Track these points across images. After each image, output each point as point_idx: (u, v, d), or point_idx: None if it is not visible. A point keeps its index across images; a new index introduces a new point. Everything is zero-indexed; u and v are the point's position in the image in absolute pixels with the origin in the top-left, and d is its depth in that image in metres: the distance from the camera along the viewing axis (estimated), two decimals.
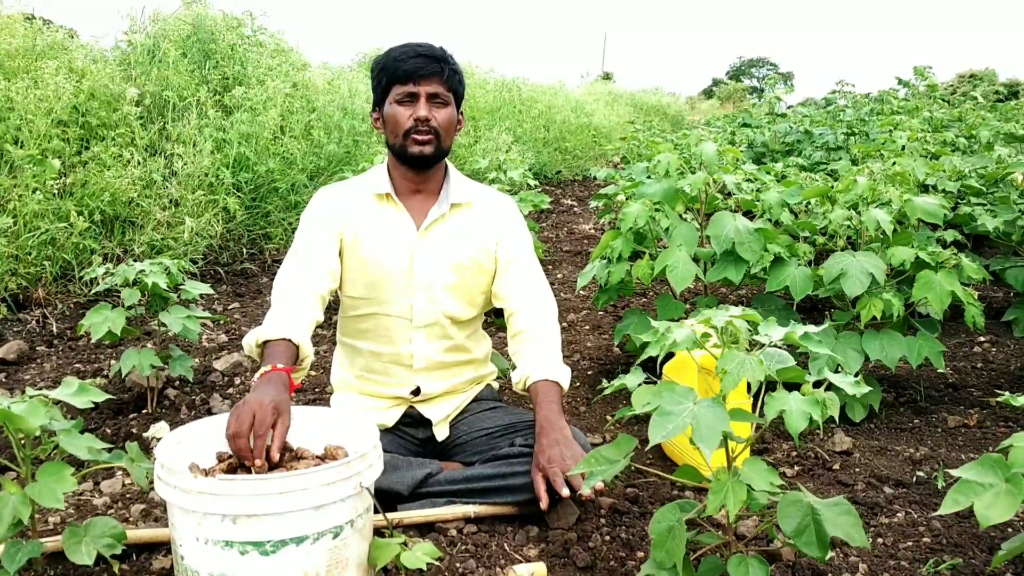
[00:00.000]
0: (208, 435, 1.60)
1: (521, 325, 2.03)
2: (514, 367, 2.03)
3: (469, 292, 2.05)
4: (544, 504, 1.74)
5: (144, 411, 2.62)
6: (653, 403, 1.30)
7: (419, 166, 1.97)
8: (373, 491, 1.49)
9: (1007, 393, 1.45)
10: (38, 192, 3.44)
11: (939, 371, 2.55)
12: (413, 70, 1.90)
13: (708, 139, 3.08)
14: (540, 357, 1.97)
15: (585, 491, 1.60)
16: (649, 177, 3.74)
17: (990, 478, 1.21)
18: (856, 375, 2.26)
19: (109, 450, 1.56)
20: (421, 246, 1.98)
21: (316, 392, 2.86)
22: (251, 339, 1.73)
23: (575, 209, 7.39)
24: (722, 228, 2.64)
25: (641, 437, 2.41)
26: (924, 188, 3.63)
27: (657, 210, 2.91)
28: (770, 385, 1.35)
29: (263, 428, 1.49)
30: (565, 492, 1.70)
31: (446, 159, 2.05)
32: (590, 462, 1.47)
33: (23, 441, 1.46)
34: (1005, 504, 1.16)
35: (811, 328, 1.41)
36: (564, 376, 1.97)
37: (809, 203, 3.15)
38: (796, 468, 2.22)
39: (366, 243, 1.97)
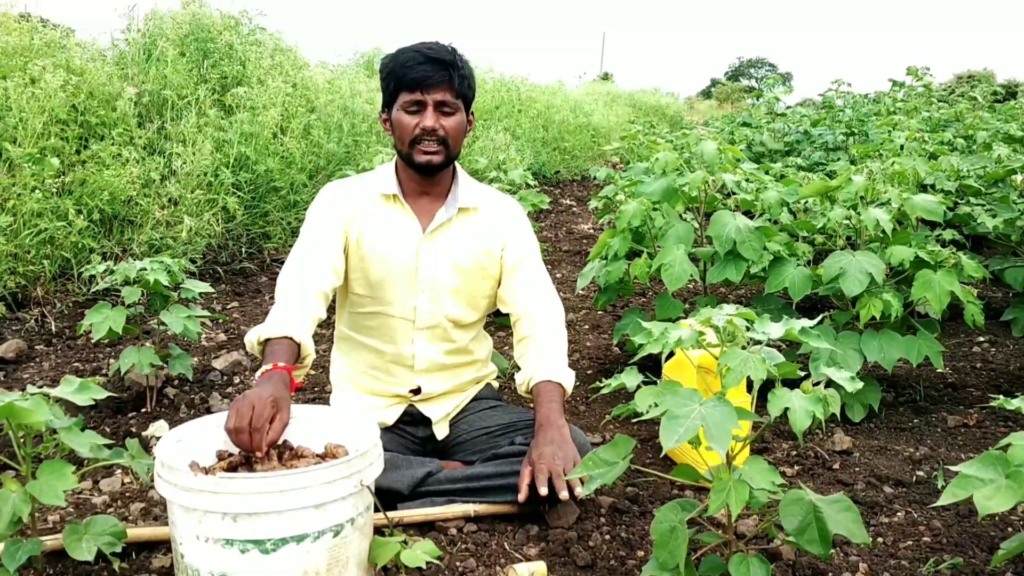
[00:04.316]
0: (208, 433, 1.60)
1: (527, 330, 2.03)
2: (518, 370, 2.03)
3: (472, 296, 2.05)
4: (522, 496, 1.74)
5: (143, 410, 2.62)
6: (660, 407, 1.29)
7: (426, 173, 1.97)
8: (373, 489, 1.49)
9: (1001, 397, 1.45)
10: (37, 191, 3.44)
11: (939, 371, 2.55)
12: (421, 78, 1.87)
13: (708, 138, 3.08)
14: (543, 360, 1.96)
15: (580, 491, 1.61)
16: (649, 176, 3.74)
17: (990, 474, 1.22)
18: (856, 374, 2.27)
19: (109, 447, 1.56)
20: (426, 248, 1.98)
21: (316, 391, 2.86)
22: (253, 337, 1.73)
23: (574, 209, 7.40)
24: (723, 228, 2.64)
25: (640, 436, 2.42)
26: (923, 188, 3.63)
27: (655, 209, 2.91)
28: (768, 384, 1.35)
29: (261, 421, 1.50)
30: (543, 490, 1.70)
31: (455, 162, 2.05)
32: (588, 465, 1.46)
33: (23, 439, 1.46)
34: (1005, 496, 1.17)
35: (807, 322, 1.41)
36: (567, 378, 1.96)
37: (807, 203, 3.15)
38: (796, 467, 2.22)
39: (371, 242, 1.97)
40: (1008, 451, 1.24)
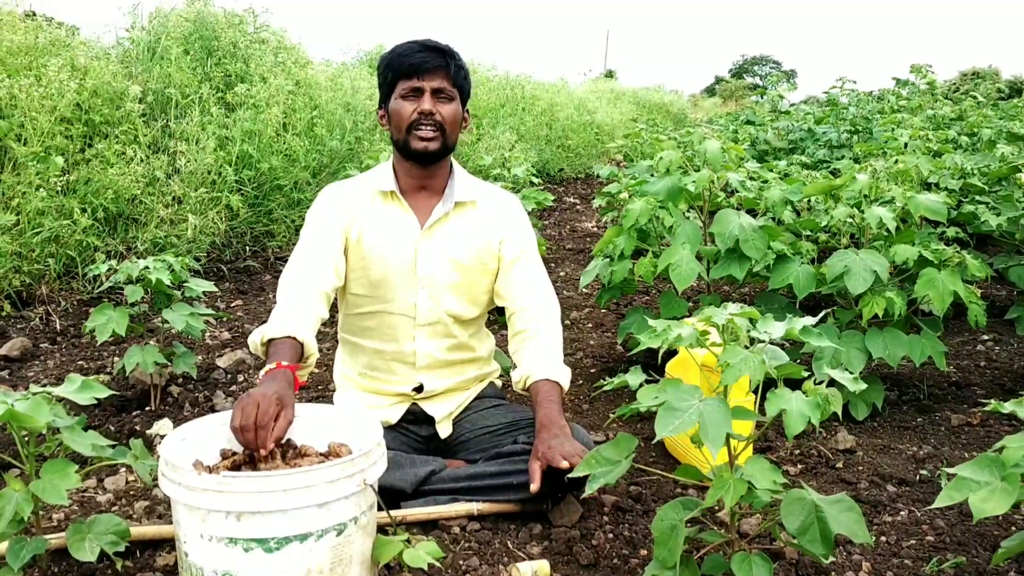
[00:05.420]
0: (212, 432, 1.61)
1: (522, 325, 2.03)
2: (514, 366, 2.03)
3: (472, 291, 2.05)
4: (535, 487, 1.73)
5: (147, 408, 2.63)
6: (660, 399, 1.30)
7: (423, 161, 1.96)
8: (377, 488, 1.49)
9: (994, 401, 1.45)
10: (41, 189, 3.45)
11: (942, 370, 2.54)
12: (418, 64, 1.90)
13: (711, 137, 3.08)
14: (541, 357, 1.96)
15: (573, 471, 1.62)
16: (652, 175, 3.74)
17: (986, 476, 1.23)
18: (860, 373, 2.26)
19: (113, 447, 1.56)
20: (424, 244, 1.98)
21: (319, 390, 2.87)
22: (256, 337, 1.74)
23: (578, 207, 7.39)
24: (727, 226, 2.64)
25: (643, 435, 2.42)
26: (927, 186, 3.63)
27: (661, 207, 2.90)
28: (772, 383, 1.35)
29: (266, 419, 1.50)
30: (564, 464, 1.68)
31: (451, 157, 2.05)
32: (590, 463, 1.45)
33: (27, 439, 1.46)
34: (1000, 499, 1.18)
35: (809, 320, 1.41)
36: (565, 376, 1.96)
37: (811, 201, 3.15)
38: (799, 466, 2.22)
39: (370, 240, 1.97)
40: (1003, 453, 1.24)
